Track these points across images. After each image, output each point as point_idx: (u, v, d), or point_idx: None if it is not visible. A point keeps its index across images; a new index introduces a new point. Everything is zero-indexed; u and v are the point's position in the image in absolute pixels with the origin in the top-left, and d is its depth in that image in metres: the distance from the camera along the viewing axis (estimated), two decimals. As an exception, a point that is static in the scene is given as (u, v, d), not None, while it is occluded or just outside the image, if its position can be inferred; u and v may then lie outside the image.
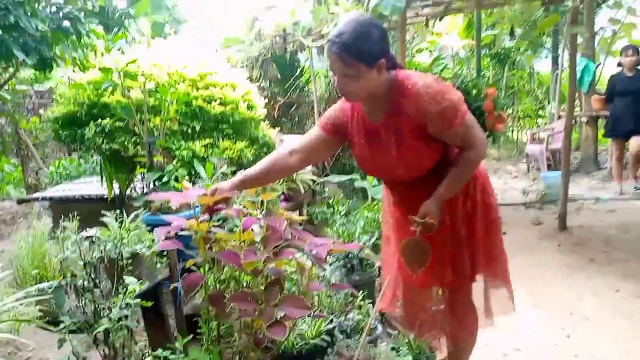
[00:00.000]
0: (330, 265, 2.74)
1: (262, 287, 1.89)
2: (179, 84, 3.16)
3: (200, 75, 3.31)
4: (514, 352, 2.61)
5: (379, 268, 3.28)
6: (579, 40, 6.40)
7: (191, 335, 2.15)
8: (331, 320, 2.27)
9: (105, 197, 4.22)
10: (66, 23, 3.74)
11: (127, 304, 1.53)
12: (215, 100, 3.23)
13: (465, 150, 1.69)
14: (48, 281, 1.80)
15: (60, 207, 4.93)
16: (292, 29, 4.70)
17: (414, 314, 2.11)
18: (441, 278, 1.89)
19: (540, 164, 7.72)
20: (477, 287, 2.00)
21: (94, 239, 1.71)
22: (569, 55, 5.04)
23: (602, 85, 7.97)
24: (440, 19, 5.29)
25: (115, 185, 3.76)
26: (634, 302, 3.09)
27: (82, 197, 4.79)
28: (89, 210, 4.69)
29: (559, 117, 8.10)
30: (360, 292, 2.45)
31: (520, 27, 9.07)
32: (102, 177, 3.75)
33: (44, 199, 5.09)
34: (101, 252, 1.70)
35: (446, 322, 2.04)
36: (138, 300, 1.58)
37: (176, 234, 2.09)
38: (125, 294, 1.56)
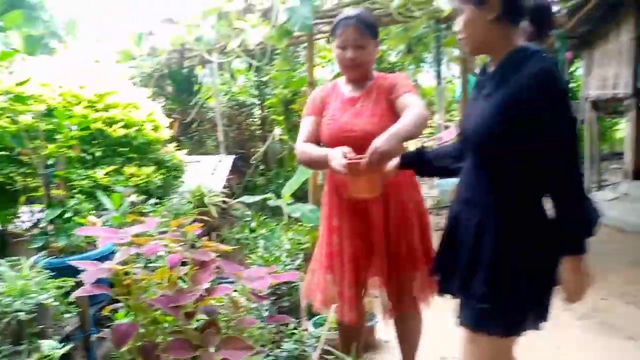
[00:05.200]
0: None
1: (195, 330, 1.74)
2: (74, 105, 2.83)
3: (99, 95, 2.99)
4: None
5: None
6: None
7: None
8: (267, 355, 2.15)
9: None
10: None
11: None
12: (117, 123, 2.95)
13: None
14: None
15: None
16: (193, 45, 4.47)
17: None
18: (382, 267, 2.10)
19: (432, 172, 8.17)
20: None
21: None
22: (461, 71, 5.41)
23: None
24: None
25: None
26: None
27: (-50, 236, 4.12)
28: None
29: (446, 127, 8.67)
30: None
31: (404, 44, 9.63)
32: (-25, 213, 3.26)
33: None
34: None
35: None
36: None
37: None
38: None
